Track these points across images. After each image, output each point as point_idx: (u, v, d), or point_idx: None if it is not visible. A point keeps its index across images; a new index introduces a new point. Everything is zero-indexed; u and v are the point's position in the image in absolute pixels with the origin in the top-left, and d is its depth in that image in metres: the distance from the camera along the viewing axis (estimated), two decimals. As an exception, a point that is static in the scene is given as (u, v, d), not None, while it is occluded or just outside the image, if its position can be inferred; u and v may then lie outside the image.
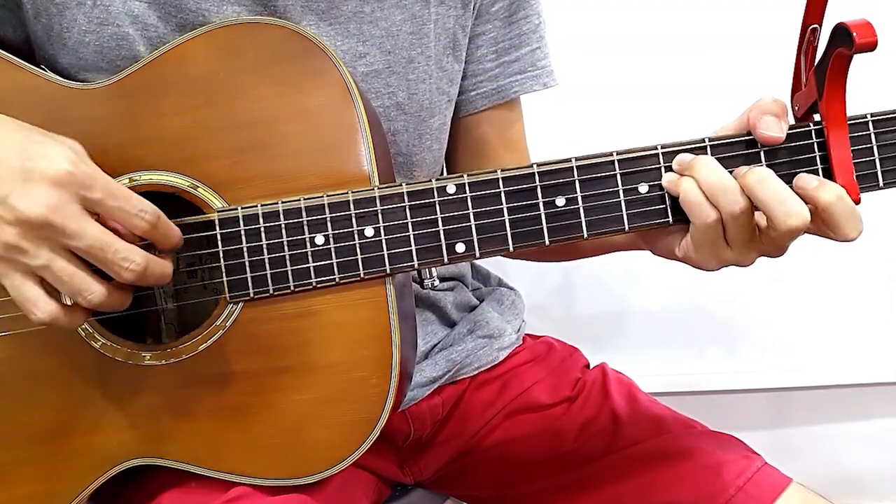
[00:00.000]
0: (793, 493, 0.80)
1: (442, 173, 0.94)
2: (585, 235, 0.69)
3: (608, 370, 0.97)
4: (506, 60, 0.91)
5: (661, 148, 0.68)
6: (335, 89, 0.70)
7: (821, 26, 0.66)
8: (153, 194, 0.67)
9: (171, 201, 0.69)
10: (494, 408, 0.94)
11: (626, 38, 1.37)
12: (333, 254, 0.69)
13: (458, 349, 0.93)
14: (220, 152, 0.70)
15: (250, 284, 0.69)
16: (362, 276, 0.69)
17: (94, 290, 0.62)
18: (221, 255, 0.70)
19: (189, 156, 0.70)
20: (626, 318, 1.51)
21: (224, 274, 0.70)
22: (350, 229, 0.69)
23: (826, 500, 0.82)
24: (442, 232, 0.69)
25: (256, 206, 0.69)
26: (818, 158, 0.67)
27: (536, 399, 0.94)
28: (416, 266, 0.69)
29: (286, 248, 0.69)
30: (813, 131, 0.67)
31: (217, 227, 0.69)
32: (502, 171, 0.69)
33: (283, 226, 0.69)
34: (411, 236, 0.69)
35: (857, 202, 0.65)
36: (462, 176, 0.69)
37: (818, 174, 0.66)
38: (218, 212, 0.70)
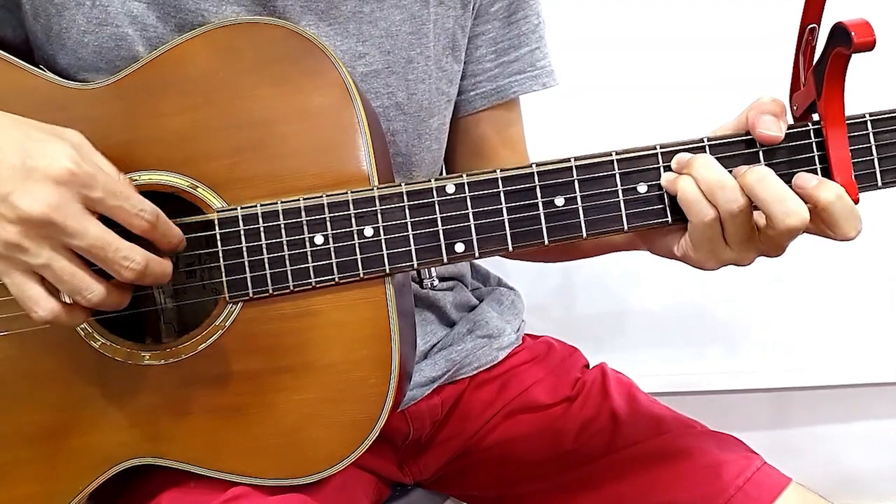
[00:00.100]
0: (792, 492, 0.80)
1: (441, 173, 0.94)
2: (584, 235, 0.69)
3: (608, 370, 0.97)
4: (505, 60, 0.91)
5: (660, 148, 0.68)
6: (334, 89, 0.70)
7: (819, 26, 0.66)
8: (153, 194, 0.66)
9: (170, 201, 0.69)
10: (494, 408, 0.94)
11: (625, 38, 1.37)
12: (333, 253, 0.69)
13: (458, 349, 0.93)
14: (219, 152, 0.70)
15: (249, 284, 0.69)
16: (362, 275, 0.69)
17: (95, 290, 0.62)
18: (221, 254, 0.70)
19: (188, 156, 0.70)
20: (626, 318, 1.51)
21: (223, 274, 0.70)
22: (349, 229, 0.69)
23: (826, 500, 0.82)
24: (441, 232, 0.69)
25: (256, 206, 0.69)
26: (817, 158, 0.67)
27: (536, 399, 0.94)
28: (415, 266, 0.69)
29: (285, 247, 0.69)
30: (812, 131, 0.67)
31: (216, 227, 0.69)
32: (501, 170, 0.69)
33: (282, 226, 0.69)
34: (410, 236, 0.69)
35: (856, 202, 0.65)
36: (461, 176, 0.69)
37: (817, 174, 0.66)
38: (217, 212, 0.70)
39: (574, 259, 0.97)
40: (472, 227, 0.69)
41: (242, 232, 0.69)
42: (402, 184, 0.69)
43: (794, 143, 0.67)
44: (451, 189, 0.69)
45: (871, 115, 0.67)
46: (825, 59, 0.64)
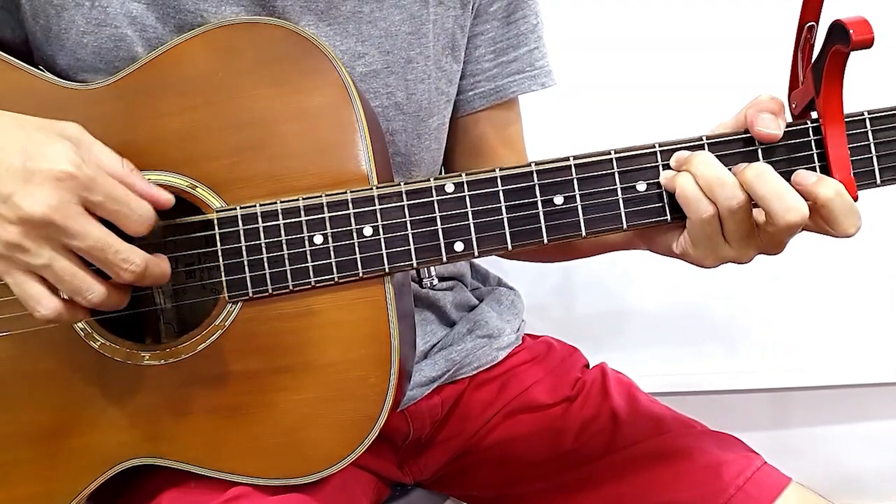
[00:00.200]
0: (792, 492, 0.80)
1: (440, 173, 0.94)
2: (584, 234, 0.69)
3: (608, 370, 0.97)
4: (504, 60, 0.92)
5: (659, 146, 0.68)
6: (334, 89, 0.70)
7: (818, 24, 0.66)
8: (152, 194, 0.67)
9: (170, 201, 0.69)
10: (494, 407, 0.94)
11: (624, 38, 1.37)
12: (332, 253, 0.69)
13: (458, 349, 0.93)
14: (218, 152, 0.70)
15: (249, 284, 0.69)
16: (361, 275, 0.69)
17: (94, 290, 0.62)
18: (220, 254, 0.70)
19: (188, 156, 0.70)
20: (626, 317, 1.51)
21: (223, 273, 0.70)
22: (349, 228, 0.69)
23: (826, 499, 0.82)
24: (440, 231, 0.69)
25: (255, 206, 0.69)
26: (815, 156, 0.67)
27: (536, 399, 0.94)
28: (414, 265, 0.69)
29: (285, 247, 0.69)
30: (810, 129, 0.67)
31: (216, 227, 0.70)
32: (500, 170, 0.69)
33: (281, 225, 0.69)
34: (410, 235, 0.69)
35: (855, 199, 0.65)
36: (460, 175, 0.69)
37: (816, 171, 0.66)
38: (217, 211, 0.70)
39: (573, 259, 0.97)
40: (472, 226, 0.69)
41: (242, 232, 0.69)
42: (402, 183, 0.69)
43: (792, 141, 0.67)
44: (450, 188, 0.69)
45: (869, 112, 0.67)
46: (823, 56, 0.64)
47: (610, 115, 1.34)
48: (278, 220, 0.69)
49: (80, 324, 0.71)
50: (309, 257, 0.69)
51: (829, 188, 0.64)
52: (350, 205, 0.69)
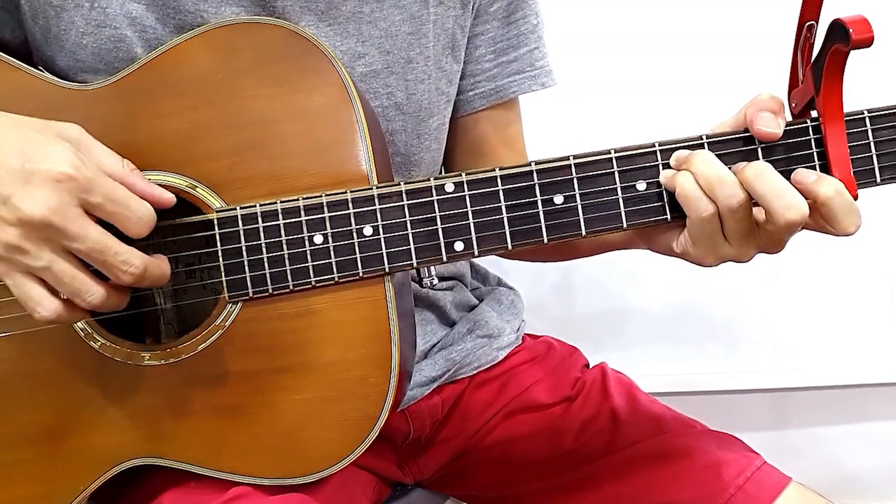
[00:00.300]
0: (792, 492, 0.80)
1: (440, 173, 0.94)
2: (584, 233, 0.69)
3: (608, 370, 0.97)
4: (504, 60, 0.92)
5: (659, 145, 0.68)
6: (334, 89, 0.70)
7: (817, 23, 0.66)
8: (152, 194, 0.67)
9: (169, 201, 0.69)
10: (494, 407, 0.94)
11: (624, 38, 1.37)
12: (332, 253, 0.69)
13: (458, 349, 0.93)
14: (218, 152, 0.70)
15: (249, 284, 0.69)
16: (361, 275, 0.69)
17: (94, 292, 0.62)
18: (220, 254, 0.70)
19: (188, 156, 0.70)
20: (626, 317, 1.51)
21: (223, 274, 0.70)
22: (349, 228, 0.69)
23: (826, 499, 0.82)
24: (440, 230, 0.69)
25: (255, 206, 0.69)
26: (815, 155, 0.67)
27: (536, 399, 0.94)
28: (414, 265, 0.69)
29: (285, 247, 0.69)
30: (810, 128, 0.67)
31: (216, 227, 0.69)
32: (500, 169, 0.69)
33: (281, 225, 0.69)
34: (410, 235, 0.69)
35: (855, 198, 0.65)
36: (460, 175, 0.69)
37: (815, 170, 0.66)
38: (217, 212, 0.70)
39: (573, 258, 0.97)
40: (472, 225, 0.69)
41: (242, 232, 0.69)
42: (402, 183, 0.69)
43: (792, 140, 0.67)
44: (450, 188, 0.69)
45: (869, 111, 0.67)
46: (823, 55, 0.64)
47: (610, 115, 1.34)
48: (278, 220, 0.69)
49: (80, 324, 0.71)
50: (309, 257, 0.69)
51: (828, 187, 0.64)
52: (350, 204, 0.69)
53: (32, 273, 0.61)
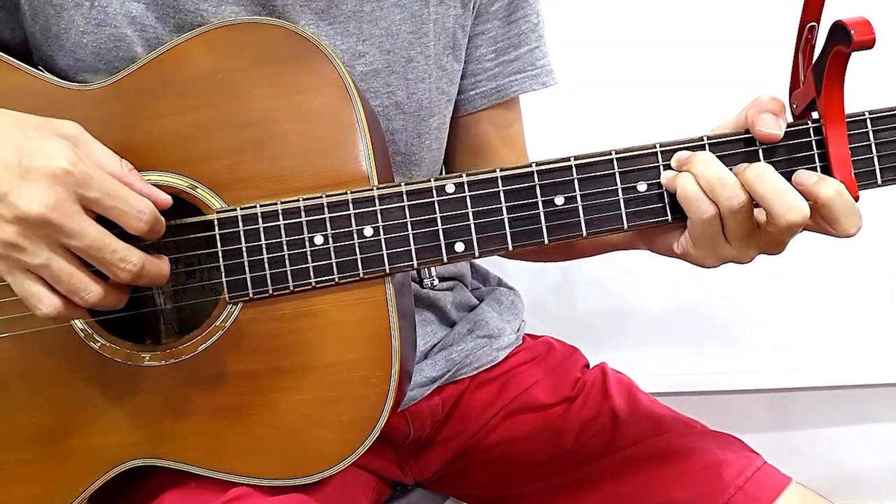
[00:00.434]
0: (792, 492, 0.80)
1: (441, 173, 0.94)
2: (584, 234, 0.69)
3: (608, 370, 0.97)
4: (505, 60, 0.91)
5: (660, 146, 0.68)
6: (334, 89, 0.70)
7: (818, 24, 0.66)
8: (152, 195, 0.66)
9: (169, 202, 0.69)
10: (494, 408, 0.94)
11: (625, 38, 1.37)
12: (332, 253, 0.69)
13: (458, 349, 0.93)
14: (218, 152, 0.70)
15: (249, 285, 0.69)
16: (361, 275, 0.69)
17: (92, 290, 0.62)
18: (220, 255, 0.70)
19: (188, 156, 0.70)
20: (626, 317, 1.51)
21: (223, 274, 0.70)
22: (349, 229, 0.69)
23: (826, 499, 0.82)
24: (441, 231, 0.69)
25: (255, 207, 0.69)
26: (816, 156, 0.67)
27: (536, 399, 0.94)
28: (415, 265, 0.69)
29: (285, 248, 0.69)
30: (811, 129, 0.67)
31: (216, 228, 0.69)
32: (501, 170, 0.69)
33: (281, 226, 0.69)
34: (410, 236, 0.69)
35: (856, 199, 0.65)
36: (461, 175, 0.69)
37: (816, 172, 0.66)
38: (217, 212, 0.70)
39: (573, 258, 0.97)
40: (472, 226, 0.69)
41: (242, 232, 0.69)
42: (402, 183, 0.69)
43: (793, 142, 0.67)
44: (450, 188, 0.69)
45: (870, 113, 0.67)
46: (825, 57, 0.64)
47: (610, 115, 1.34)
48: (279, 220, 0.69)
49: (80, 325, 0.71)
50: (309, 258, 0.69)
51: (829, 188, 0.64)
52: (350, 205, 0.69)
53: (31, 270, 0.61)
